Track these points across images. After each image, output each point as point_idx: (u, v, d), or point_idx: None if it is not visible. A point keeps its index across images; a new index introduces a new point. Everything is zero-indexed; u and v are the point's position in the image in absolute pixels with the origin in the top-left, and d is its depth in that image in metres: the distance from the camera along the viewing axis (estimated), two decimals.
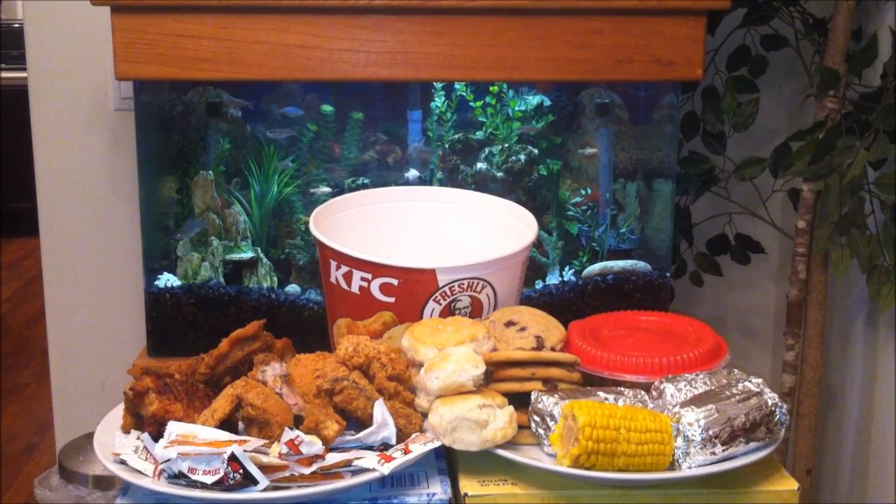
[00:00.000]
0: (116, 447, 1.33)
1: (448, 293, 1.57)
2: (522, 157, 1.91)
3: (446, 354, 1.36)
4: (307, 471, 1.25)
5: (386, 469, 1.26)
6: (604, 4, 1.70)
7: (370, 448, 1.33)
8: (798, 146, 1.93)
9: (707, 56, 1.90)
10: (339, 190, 1.89)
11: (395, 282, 1.56)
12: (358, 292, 1.59)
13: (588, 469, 1.28)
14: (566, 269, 1.94)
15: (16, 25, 5.77)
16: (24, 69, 2.09)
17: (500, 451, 1.33)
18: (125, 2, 1.65)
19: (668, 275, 1.93)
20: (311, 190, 1.88)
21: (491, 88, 1.88)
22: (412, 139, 1.93)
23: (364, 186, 1.89)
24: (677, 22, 1.71)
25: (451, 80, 1.83)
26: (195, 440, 1.26)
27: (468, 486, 1.32)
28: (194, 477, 1.22)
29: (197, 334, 1.83)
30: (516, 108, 1.89)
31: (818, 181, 1.93)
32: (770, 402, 1.34)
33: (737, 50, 2.05)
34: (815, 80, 1.92)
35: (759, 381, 1.37)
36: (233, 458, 1.21)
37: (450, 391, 1.34)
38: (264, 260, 1.88)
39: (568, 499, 1.32)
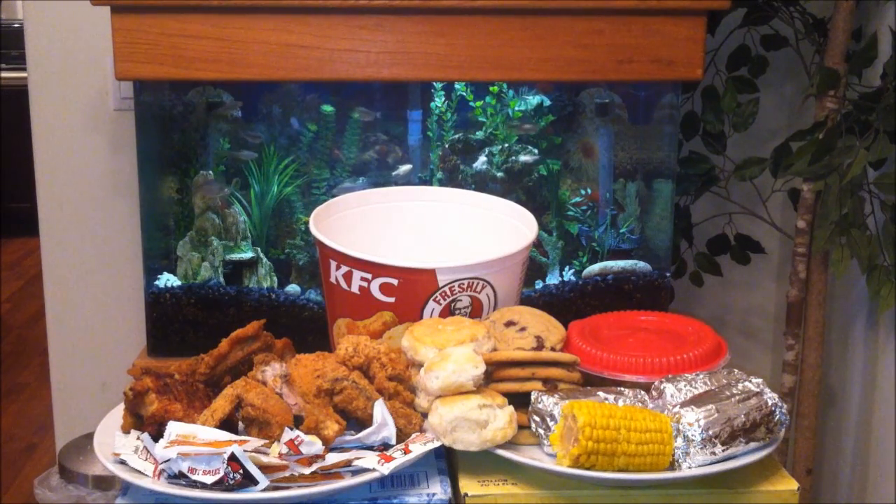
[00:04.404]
0: (116, 447, 1.33)
1: (448, 293, 1.57)
2: (522, 157, 1.91)
3: (446, 354, 1.36)
4: (307, 471, 1.25)
5: (386, 469, 1.26)
6: (604, 4, 1.70)
7: (370, 448, 1.33)
8: (798, 146, 1.93)
9: (707, 56, 1.90)
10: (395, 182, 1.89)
11: (395, 282, 1.56)
12: (358, 292, 1.59)
13: (588, 469, 1.28)
14: (566, 269, 1.94)
15: (16, 25, 5.77)
16: (24, 69, 2.09)
17: (500, 451, 1.33)
18: (125, 2, 1.65)
19: (668, 275, 1.93)
20: (393, 174, 1.88)
21: (491, 88, 1.88)
22: (412, 139, 1.93)
23: (364, 186, 1.89)
24: (677, 22, 1.71)
25: (451, 80, 1.83)
26: (195, 440, 1.26)
27: (468, 486, 1.32)
28: (194, 477, 1.22)
29: (197, 334, 1.83)
30: (516, 108, 1.89)
31: (818, 181, 1.93)
32: (770, 402, 1.34)
33: (737, 50, 2.05)
34: (815, 80, 1.92)
35: (759, 381, 1.37)
36: (233, 458, 1.21)
37: (450, 391, 1.34)
38: (264, 260, 1.88)
39: (568, 499, 1.32)
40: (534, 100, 1.90)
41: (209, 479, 1.21)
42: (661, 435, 1.29)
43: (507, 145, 1.91)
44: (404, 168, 1.88)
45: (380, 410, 1.33)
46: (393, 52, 1.69)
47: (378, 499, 1.30)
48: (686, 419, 1.29)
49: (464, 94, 1.88)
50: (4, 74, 5.71)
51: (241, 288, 1.86)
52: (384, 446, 1.33)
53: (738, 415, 1.31)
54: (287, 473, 1.24)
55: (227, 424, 1.32)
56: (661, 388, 1.39)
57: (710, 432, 1.29)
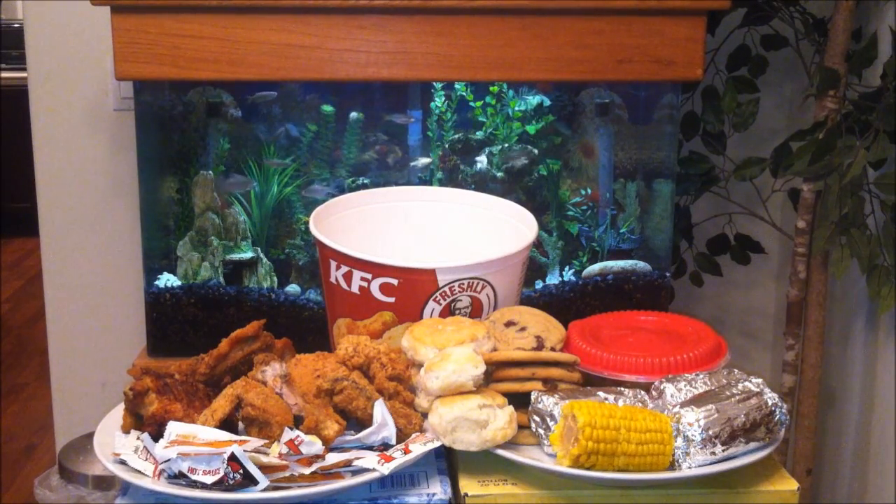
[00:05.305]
0: (116, 447, 1.33)
1: (448, 293, 1.57)
2: (522, 157, 1.91)
3: (446, 354, 1.36)
4: (307, 471, 1.25)
5: (386, 469, 1.26)
6: (604, 4, 1.70)
7: (370, 448, 1.33)
8: (798, 146, 1.93)
9: (707, 56, 1.90)
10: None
11: (395, 282, 1.56)
12: (358, 292, 1.59)
13: (588, 469, 1.28)
14: (566, 269, 1.94)
15: (16, 25, 5.77)
16: (24, 69, 2.09)
17: (500, 451, 1.33)
18: (125, 2, 1.65)
19: (668, 275, 1.93)
20: (411, 163, 1.87)
21: (491, 88, 1.88)
22: (412, 139, 1.93)
23: (364, 186, 1.89)
24: (677, 22, 1.71)
25: (451, 80, 1.83)
26: (195, 440, 1.26)
27: (468, 486, 1.32)
28: (194, 477, 1.22)
29: (197, 334, 1.83)
30: (516, 108, 1.89)
31: (818, 181, 1.93)
32: (770, 402, 1.34)
33: (737, 50, 2.05)
34: (815, 80, 1.92)
35: (759, 381, 1.37)
36: (233, 458, 1.21)
37: (450, 391, 1.34)
38: (264, 260, 1.88)
39: (568, 499, 1.32)
40: (534, 100, 1.90)
41: (209, 479, 1.21)
42: (661, 435, 1.29)
43: (507, 145, 1.91)
44: (423, 161, 1.88)
45: (380, 410, 1.33)
46: (393, 52, 1.69)
47: (378, 499, 1.30)
48: (686, 419, 1.29)
49: (464, 94, 1.88)
50: (4, 74, 5.71)
51: (241, 288, 1.86)
52: (384, 446, 1.33)
53: (738, 415, 1.31)
54: (287, 473, 1.24)
55: (227, 424, 1.32)
56: (661, 388, 1.39)
57: (710, 432, 1.29)
